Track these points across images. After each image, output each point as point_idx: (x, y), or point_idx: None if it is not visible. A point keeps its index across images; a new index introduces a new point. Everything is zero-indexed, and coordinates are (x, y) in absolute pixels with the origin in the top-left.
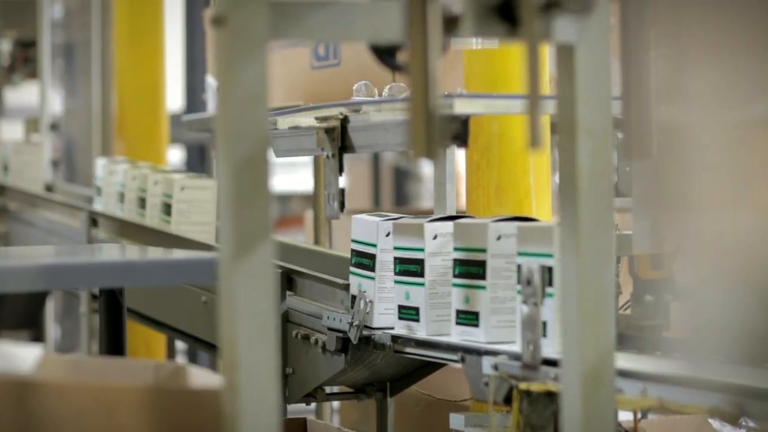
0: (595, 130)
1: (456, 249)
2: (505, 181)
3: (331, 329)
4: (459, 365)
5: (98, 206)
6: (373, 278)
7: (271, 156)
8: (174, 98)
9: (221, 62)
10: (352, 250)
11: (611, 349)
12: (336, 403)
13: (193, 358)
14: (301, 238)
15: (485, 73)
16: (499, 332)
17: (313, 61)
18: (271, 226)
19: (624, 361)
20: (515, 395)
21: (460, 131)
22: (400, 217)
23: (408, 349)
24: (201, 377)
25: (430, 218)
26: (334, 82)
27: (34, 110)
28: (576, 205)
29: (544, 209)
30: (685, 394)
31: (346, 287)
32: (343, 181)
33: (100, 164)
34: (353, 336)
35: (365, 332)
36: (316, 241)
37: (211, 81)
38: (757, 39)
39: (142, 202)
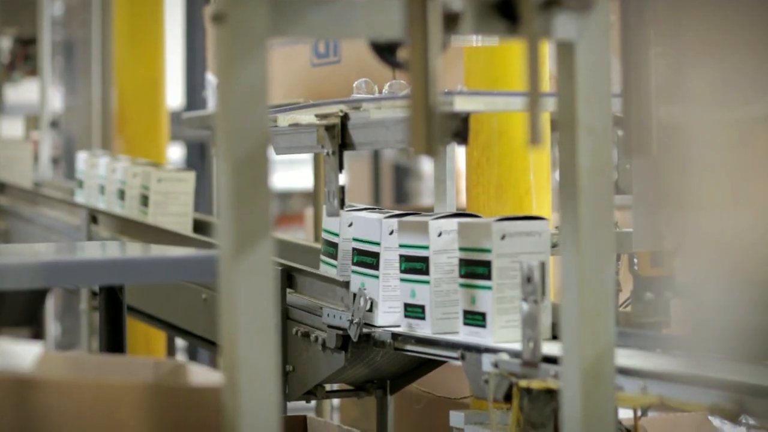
0: (595, 128)
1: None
2: (506, 178)
3: (331, 326)
4: (459, 363)
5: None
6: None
7: (271, 153)
8: (174, 95)
9: (221, 59)
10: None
11: (611, 346)
12: (336, 401)
13: (193, 355)
14: (301, 235)
15: (485, 71)
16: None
17: (314, 58)
18: (271, 223)
19: (624, 358)
20: (515, 393)
21: (460, 128)
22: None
23: (408, 347)
24: (201, 375)
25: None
26: (335, 80)
27: (34, 108)
28: (576, 203)
29: (544, 207)
30: (685, 391)
31: (346, 285)
32: (343, 179)
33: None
34: (353, 333)
35: (365, 330)
36: (317, 239)
37: (211, 78)
38: (757, 38)
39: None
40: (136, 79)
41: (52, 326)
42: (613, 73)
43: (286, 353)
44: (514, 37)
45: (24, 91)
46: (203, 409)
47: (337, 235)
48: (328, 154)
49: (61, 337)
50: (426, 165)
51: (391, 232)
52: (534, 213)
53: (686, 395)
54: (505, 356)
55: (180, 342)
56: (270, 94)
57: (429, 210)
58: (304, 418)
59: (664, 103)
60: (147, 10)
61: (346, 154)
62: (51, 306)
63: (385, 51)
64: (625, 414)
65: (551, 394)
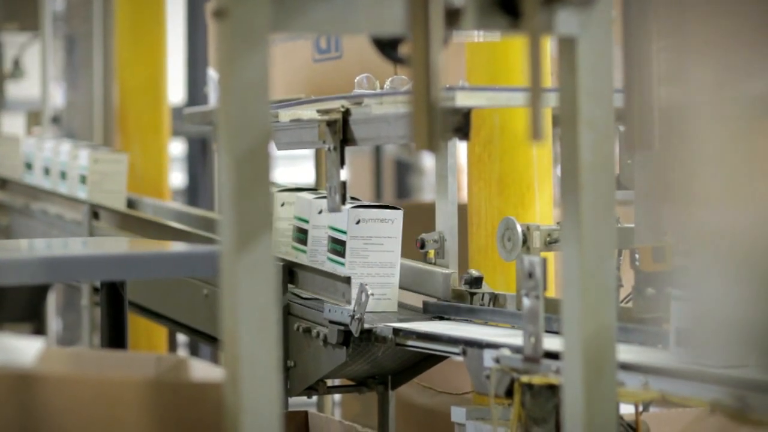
0: (597, 123)
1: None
2: (507, 173)
3: (332, 322)
4: (460, 358)
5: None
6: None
7: (273, 149)
8: (175, 91)
9: (223, 55)
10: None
11: (613, 342)
12: (337, 396)
13: (194, 350)
14: None
15: (487, 66)
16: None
17: (315, 53)
18: (272, 219)
19: (625, 353)
20: (517, 388)
21: (461, 124)
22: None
23: (409, 342)
24: (202, 370)
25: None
26: (336, 75)
27: (36, 103)
28: (578, 198)
29: (545, 202)
30: (686, 386)
31: (348, 280)
32: (344, 174)
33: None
34: (355, 329)
35: (366, 325)
36: None
37: (212, 74)
38: (759, 32)
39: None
40: (137, 74)
41: (53, 322)
42: (615, 68)
43: (288, 349)
44: (516, 32)
45: (26, 87)
46: (205, 405)
47: (307, 221)
48: (329, 149)
49: (62, 333)
50: (427, 160)
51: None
52: (536, 208)
53: (688, 391)
54: (506, 352)
55: (181, 337)
56: (271, 90)
57: (431, 205)
58: (306, 413)
59: (666, 97)
60: (148, 6)
61: (348, 149)
62: (52, 301)
63: (387, 46)
64: (627, 409)
65: (553, 389)
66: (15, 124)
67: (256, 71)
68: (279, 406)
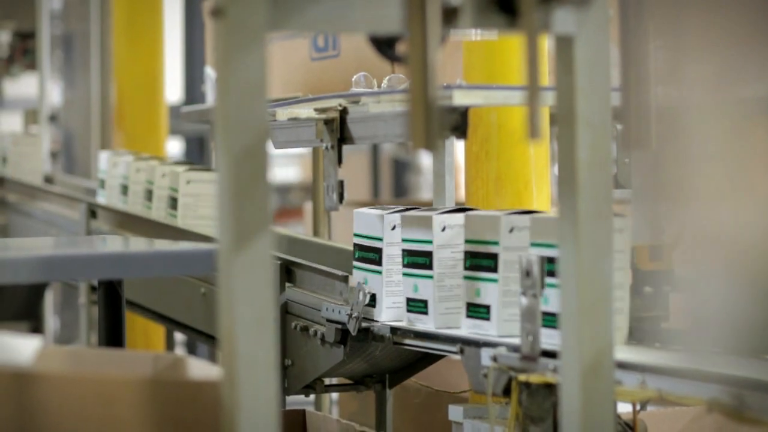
0: (595, 122)
1: (467, 241)
2: (505, 172)
3: (330, 321)
4: (458, 357)
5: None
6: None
7: (270, 147)
8: (173, 89)
9: (220, 53)
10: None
11: (610, 340)
12: (335, 395)
13: (192, 349)
14: (300, 229)
15: (484, 65)
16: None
17: (312, 52)
18: (270, 217)
19: (623, 352)
20: (514, 387)
21: (459, 122)
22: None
23: (407, 341)
24: (200, 369)
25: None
26: (333, 74)
27: (33, 102)
28: (575, 197)
29: (543, 200)
30: (684, 385)
31: (345, 279)
32: (342, 173)
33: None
34: (352, 327)
35: (364, 324)
36: (315, 233)
37: (210, 72)
38: (757, 30)
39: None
40: (135, 73)
41: (51, 320)
42: (612, 66)
43: (285, 347)
44: (513, 31)
45: (23, 85)
46: (202, 403)
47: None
48: (326, 148)
49: (60, 332)
50: (425, 159)
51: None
52: (533, 207)
53: (685, 389)
54: (503, 350)
55: (179, 336)
56: (269, 88)
57: (428, 204)
58: (303, 412)
59: (663, 96)
60: (146, 4)
61: (345, 148)
62: (50, 300)
63: (384, 45)
64: (624, 408)
65: (550, 388)
66: (12, 122)
67: (254, 70)
68: (276, 405)
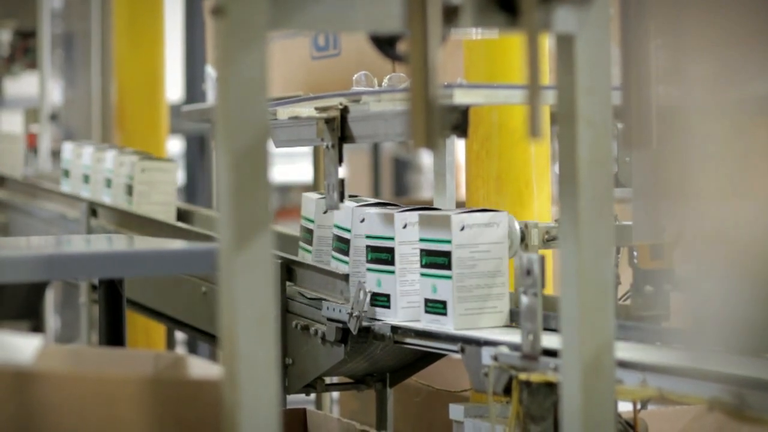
0: (595, 121)
1: (422, 240)
2: (505, 171)
3: (330, 320)
4: (459, 356)
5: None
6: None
7: (271, 146)
8: (174, 88)
9: (221, 52)
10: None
11: (611, 339)
12: (335, 394)
13: (192, 348)
14: None
15: (485, 64)
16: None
17: (313, 51)
18: (270, 216)
19: (624, 351)
20: (515, 386)
21: (459, 121)
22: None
23: (408, 340)
24: (200, 368)
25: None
26: (334, 73)
27: (34, 101)
28: (576, 196)
29: (543, 199)
30: (685, 384)
31: (346, 278)
32: (342, 172)
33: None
34: (353, 327)
35: (365, 323)
36: None
37: (210, 71)
38: (757, 29)
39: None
40: (135, 71)
41: (51, 319)
42: (612, 65)
43: (286, 346)
44: (514, 30)
45: (24, 84)
46: (203, 402)
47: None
48: (327, 147)
49: (60, 331)
50: (425, 158)
51: (405, 226)
52: (534, 206)
53: (686, 388)
54: (504, 349)
55: (180, 335)
56: (269, 87)
57: (428, 203)
58: (304, 410)
59: (664, 94)
60: (147, 3)
61: (346, 147)
62: (51, 299)
63: (385, 44)
64: (625, 407)
65: (551, 387)
66: (13, 121)
67: (255, 69)
68: (277, 404)
